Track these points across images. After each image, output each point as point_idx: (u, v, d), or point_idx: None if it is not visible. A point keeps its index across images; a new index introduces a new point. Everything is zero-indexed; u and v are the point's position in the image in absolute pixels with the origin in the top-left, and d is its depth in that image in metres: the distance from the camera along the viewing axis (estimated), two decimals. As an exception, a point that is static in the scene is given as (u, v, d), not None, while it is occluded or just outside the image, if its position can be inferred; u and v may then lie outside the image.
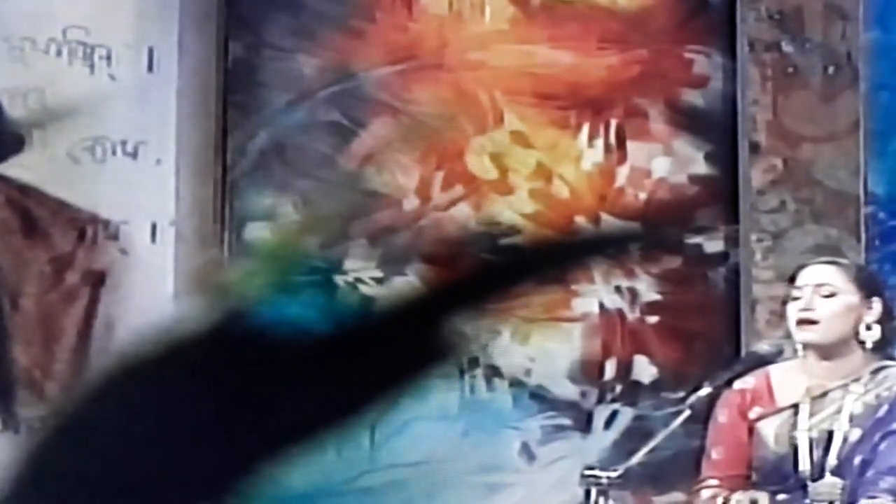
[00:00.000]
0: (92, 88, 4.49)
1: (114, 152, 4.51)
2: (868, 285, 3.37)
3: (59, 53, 4.52)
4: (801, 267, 3.43)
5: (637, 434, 4.28)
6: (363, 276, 4.36)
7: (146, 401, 0.88)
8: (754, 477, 3.34)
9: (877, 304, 3.34)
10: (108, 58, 4.51)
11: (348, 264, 4.33)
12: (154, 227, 4.50)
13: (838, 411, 3.32)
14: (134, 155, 4.52)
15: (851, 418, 3.31)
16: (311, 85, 4.65)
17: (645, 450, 3.27)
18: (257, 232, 4.57)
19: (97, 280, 4.44)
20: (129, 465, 0.88)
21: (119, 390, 0.89)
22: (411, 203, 4.60)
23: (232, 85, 4.64)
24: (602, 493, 3.14)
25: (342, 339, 0.89)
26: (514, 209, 4.57)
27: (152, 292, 4.32)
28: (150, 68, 4.52)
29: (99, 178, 4.51)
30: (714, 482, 3.34)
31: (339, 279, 4.18)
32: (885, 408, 3.30)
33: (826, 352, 3.33)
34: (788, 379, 3.37)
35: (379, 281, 4.37)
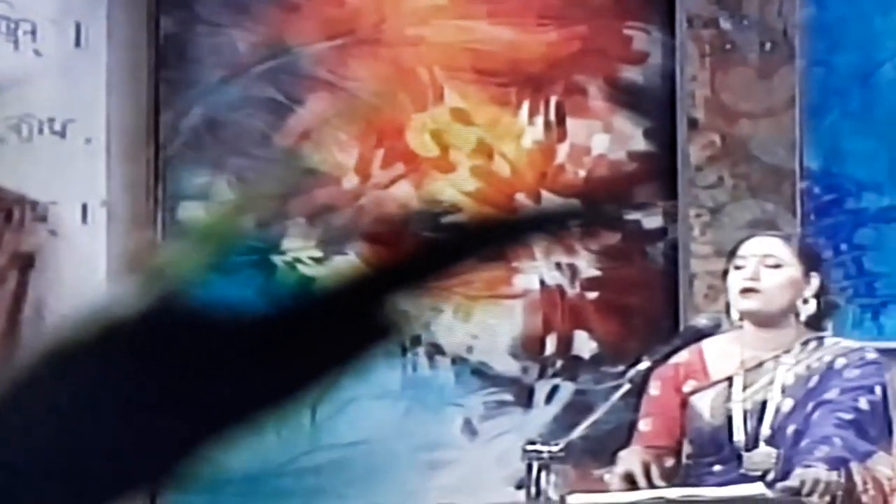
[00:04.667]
0: (16, 65, 4.42)
1: (41, 131, 4.44)
2: (809, 260, 3.44)
3: (-15, 30, 4.44)
4: (746, 238, 3.48)
5: (578, 408, 4.29)
6: (302, 255, 4.34)
7: (79, 385, 0.86)
8: (688, 448, 3.37)
9: (815, 280, 3.41)
10: (34, 33, 4.44)
11: (286, 244, 4.29)
12: (85, 208, 4.44)
13: (771, 382, 3.36)
14: (62, 133, 4.45)
15: (784, 389, 3.36)
16: (246, 61, 4.60)
17: (586, 424, 3.28)
18: (192, 211, 4.52)
19: (26, 263, 4.38)
20: (64, 449, 0.86)
21: (51, 374, 0.87)
22: (351, 181, 4.57)
23: (163, 61, 4.59)
24: (544, 467, 3.15)
25: (281, 319, 0.87)
26: (456, 187, 4.55)
27: (84, 274, 4.27)
28: (77, 44, 4.45)
29: (26, 157, 4.44)
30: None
31: (278, 259, 4.14)
32: (815, 378, 3.35)
33: (764, 321, 3.38)
34: (722, 352, 3.41)
35: (318, 260, 4.35)
